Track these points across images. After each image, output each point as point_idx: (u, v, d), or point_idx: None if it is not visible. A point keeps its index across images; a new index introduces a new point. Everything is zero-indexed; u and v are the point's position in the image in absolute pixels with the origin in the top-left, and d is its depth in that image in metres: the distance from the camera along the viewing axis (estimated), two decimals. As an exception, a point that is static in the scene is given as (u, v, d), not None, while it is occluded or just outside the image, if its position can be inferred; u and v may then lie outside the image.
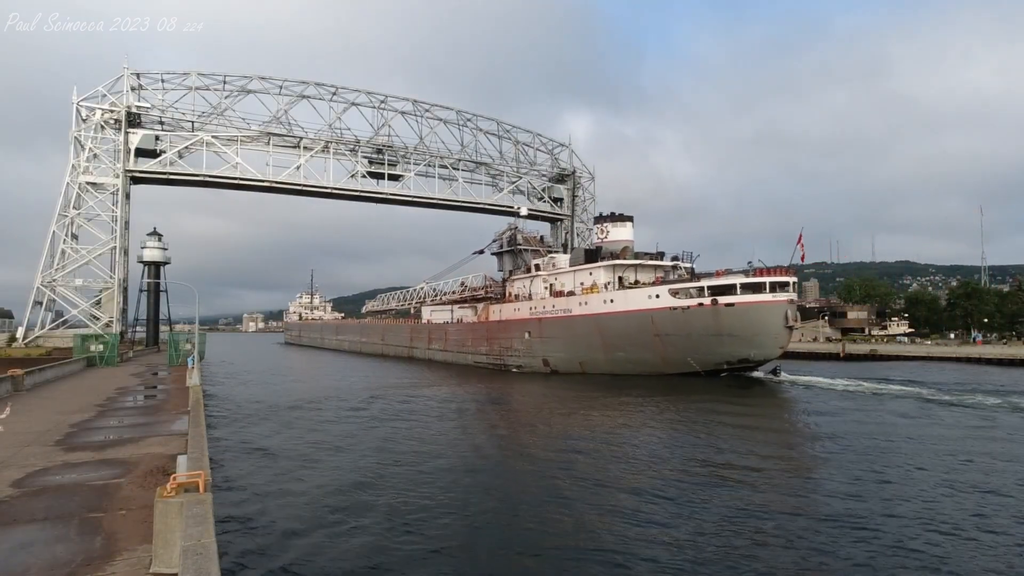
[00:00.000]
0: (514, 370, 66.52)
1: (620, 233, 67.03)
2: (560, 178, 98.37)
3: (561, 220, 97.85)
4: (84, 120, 68.44)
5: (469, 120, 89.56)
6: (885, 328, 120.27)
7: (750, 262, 54.79)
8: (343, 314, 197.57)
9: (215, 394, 44.71)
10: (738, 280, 51.53)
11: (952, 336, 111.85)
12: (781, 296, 50.05)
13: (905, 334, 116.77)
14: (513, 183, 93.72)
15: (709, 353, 52.49)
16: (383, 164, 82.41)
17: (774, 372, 53.30)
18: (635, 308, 55.03)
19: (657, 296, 54.00)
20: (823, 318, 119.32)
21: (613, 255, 63.88)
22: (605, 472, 21.39)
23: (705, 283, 52.55)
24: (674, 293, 53.17)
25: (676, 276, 60.45)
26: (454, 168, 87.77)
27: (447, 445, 25.98)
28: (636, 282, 60.46)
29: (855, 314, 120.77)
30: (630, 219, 68.25)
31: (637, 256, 64.02)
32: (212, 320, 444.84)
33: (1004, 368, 65.76)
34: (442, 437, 27.84)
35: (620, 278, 61.24)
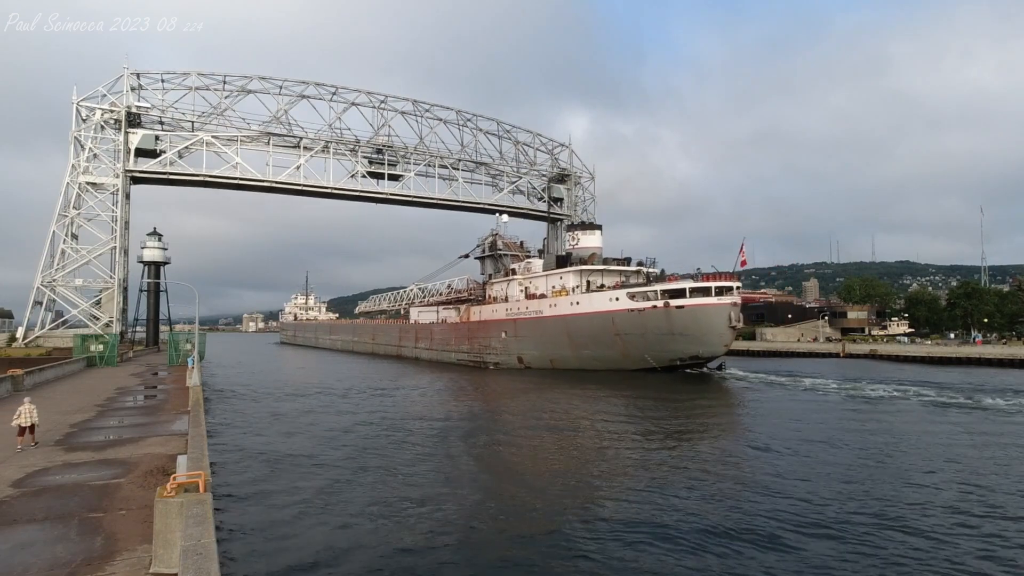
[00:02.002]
0: (491, 367, 69.56)
1: (589, 240, 71.35)
2: (560, 178, 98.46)
3: (561, 220, 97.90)
4: (84, 120, 68.47)
5: (469, 120, 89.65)
6: (885, 328, 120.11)
7: (698, 268, 58.97)
8: (338, 314, 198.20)
9: (215, 385, 44.80)
10: (687, 285, 56.03)
11: (952, 336, 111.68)
12: (725, 299, 54.35)
13: (905, 334, 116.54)
14: (513, 183, 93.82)
15: (663, 350, 56.57)
16: (383, 164, 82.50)
17: (719, 368, 58.17)
18: (598, 310, 59.16)
19: (617, 299, 58.19)
20: (823, 318, 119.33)
21: (582, 260, 67.88)
22: (556, 434, 27.42)
23: (658, 287, 56.83)
24: (632, 296, 57.10)
25: (639, 280, 63.99)
26: (454, 168, 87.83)
27: (435, 440, 26.08)
28: (602, 286, 63.79)
29: (855, 314, 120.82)
30: (599, 227, 73.54)
31: (605, 262, 68.46)
32: (212, 320, 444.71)
33: (1003, 369, 65.59)
34: (430, 434, 27.85)
35: (588, 282, 65.43)
